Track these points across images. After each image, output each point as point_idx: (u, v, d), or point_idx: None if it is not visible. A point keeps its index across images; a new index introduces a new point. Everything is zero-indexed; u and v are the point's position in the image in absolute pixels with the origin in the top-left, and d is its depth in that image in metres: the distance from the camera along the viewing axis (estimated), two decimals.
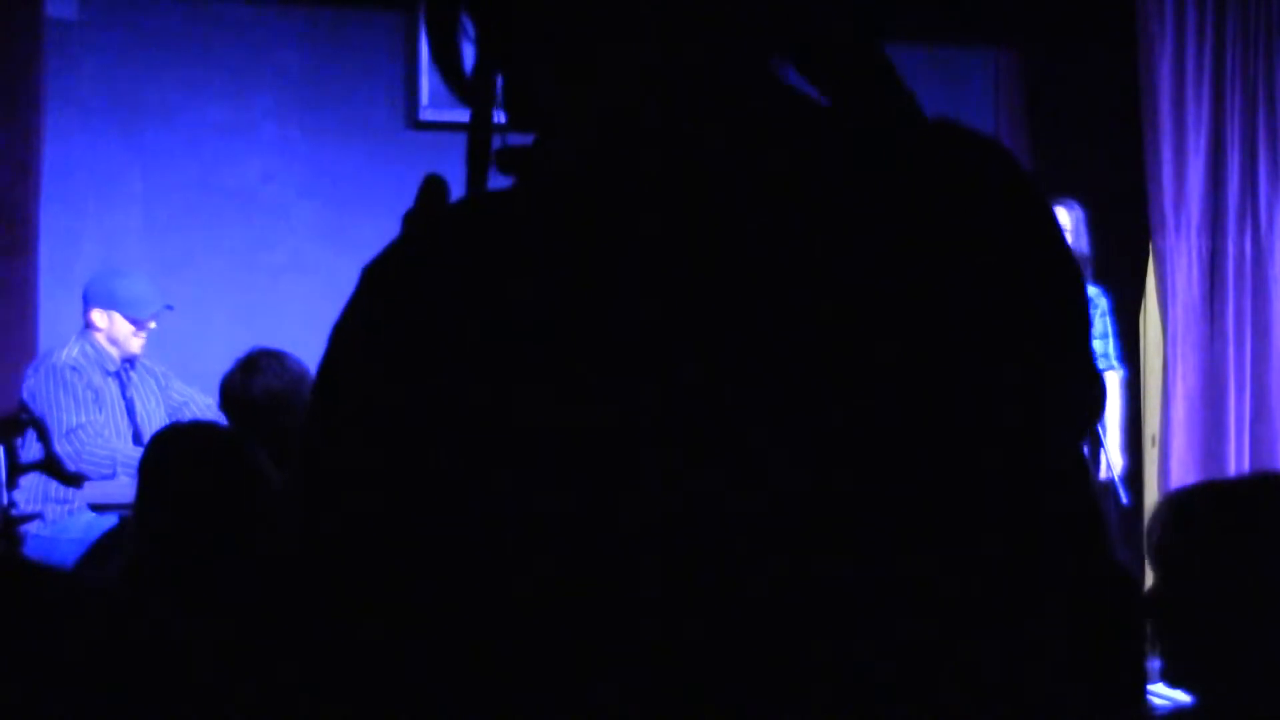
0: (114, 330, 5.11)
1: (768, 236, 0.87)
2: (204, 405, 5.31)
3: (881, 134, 0.92)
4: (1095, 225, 5.82)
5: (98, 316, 5.10)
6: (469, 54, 0.96)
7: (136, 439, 5.08)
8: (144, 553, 2.87)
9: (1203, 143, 5.90)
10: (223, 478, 2.87)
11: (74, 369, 4.98)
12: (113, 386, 5.10)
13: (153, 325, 5.18)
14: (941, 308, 0.87)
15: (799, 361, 0.86)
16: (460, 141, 0.94)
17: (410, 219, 0.91)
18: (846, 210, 0.88)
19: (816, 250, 0.87)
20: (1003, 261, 0.90)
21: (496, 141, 0.94)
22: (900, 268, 0.87)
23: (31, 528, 4.93)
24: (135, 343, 5.15)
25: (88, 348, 5.07)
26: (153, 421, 5.17)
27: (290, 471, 0.92)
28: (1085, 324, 0.94)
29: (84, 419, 4.94)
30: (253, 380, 3.86)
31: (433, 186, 0.94)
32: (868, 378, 0.86)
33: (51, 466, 4.98)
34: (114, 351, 5.12)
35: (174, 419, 5.28)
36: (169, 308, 5.22)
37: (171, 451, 2.96)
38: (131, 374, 5.19)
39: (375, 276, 0.90)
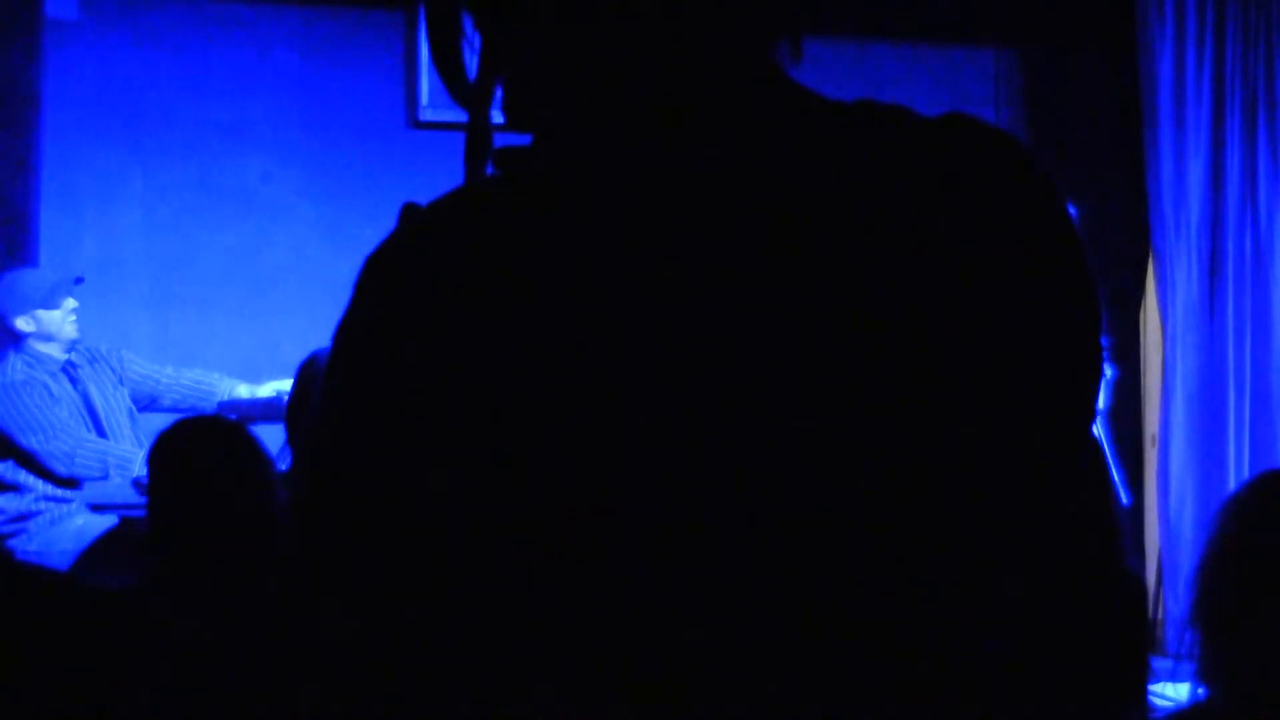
0: (45, 327, 5.06)
1: (771, 232, 0.87)
2: (166, 375, 5.30)
3: (897, 127, 0.92)
4: (1095, 225, 5.81)
5: (23, 323, 5.04)
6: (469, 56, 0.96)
7: (100, 431, 5.08)
8: (156, 550, 2.88)
9: (1203, 143, 5.90)
10: (232, 471, 2.87)
11: (25, 382, 4.97)
12: (64, 384, 5.09)
13: (74, 304, 5.11)
14: (954, 302, 0.87)
15: (801, 356, 0.85)
16: (459, 141, 0.94)
17: (408, 210, 0.92)
18: (855, 204, 0.88)
19: (821, 245, 0.87)
20: (1017, 251, 0.90)
21: (496, 141, 0.94)
22: (911, 261, 0.87)
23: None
24: (70, 328, 5.09)
25: (26, 358, 5.04)
26: (114, 409, 5.16)
27: (301, 468, 0.92)
28: (1097, 314, 0.94)
29: (60, 421, 4.93)
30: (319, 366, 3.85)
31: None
32: (876, 373, 0.86)
33: (35, 475, 4.95)
34: (52, 350, 5.09)
35: (138, 394, 5.28)
36: (79, 280, 5.14)
37: (179, 447, 2.96)
38: (80, 366, 5.16)
39: (377, 267, 0.90)
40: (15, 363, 5.02)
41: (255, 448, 2.94)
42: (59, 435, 4.91)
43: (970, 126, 0.92)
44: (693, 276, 0.86)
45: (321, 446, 0.90)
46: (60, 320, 5.07)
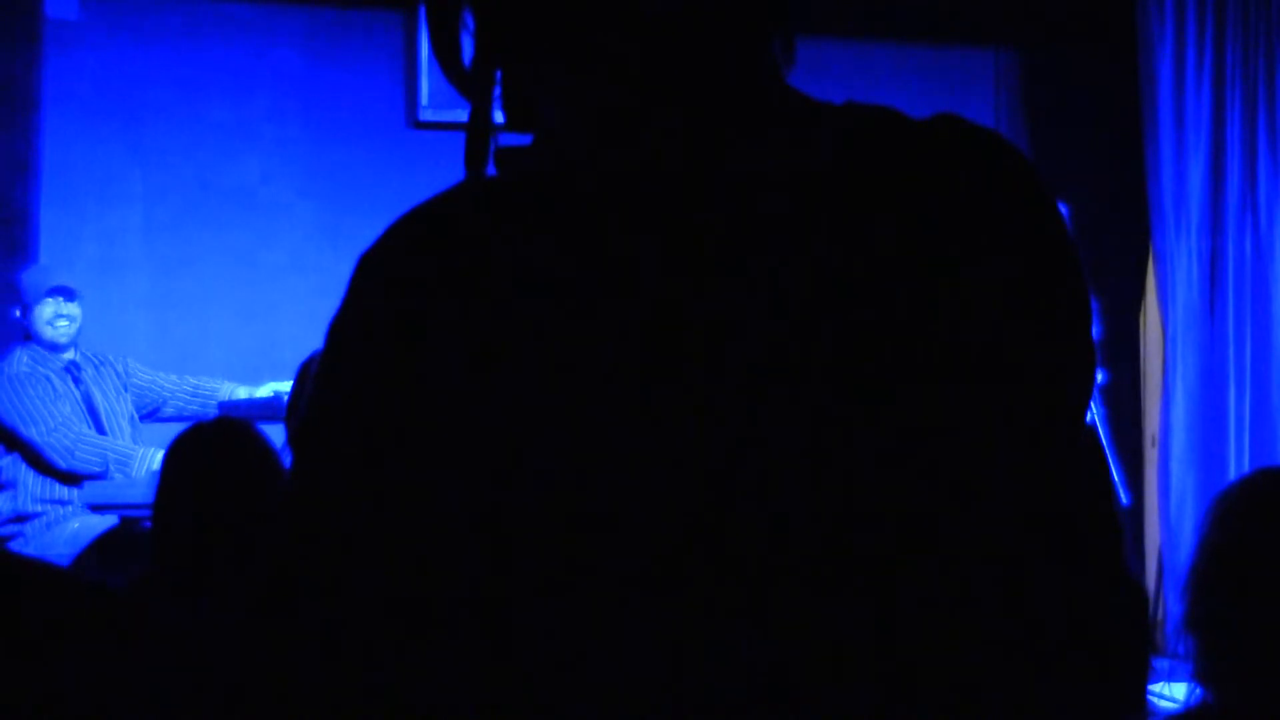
0: (32, 325, 5.10)
1: (766, 235, 0.87)
2: (169, 382, 5.32)
3: (884, 128, 0.92)
4: (1095, 225, 5.82)
5: (20, 315, 5.12)
6: (469, 47, 0.96)
7: (101, 432, 5.10)
8: (165, 553, 2.88)
9: (1203, 143, 5.91)
10: (250, 474, 2.88)
11: (29, 373, 5.01)
12: (68, 383, 5.10)
13: (69, 310, 5.11)
14: (947, 302, 0.87)
15: (794, 358, 0.86)
16: (459, 141, 0.94)
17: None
18: (848, 206, 0.88)
19: (816, 247, 0.87)
20: (1008, 250, 0.90)
21: (495, 141, 0.94)
22: (903, 261, 0.87)
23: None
24: (51, 331, 5.09)
25: (32, 353, 5.08)
26: (115, 412, 5.18)
27: (292, 461, 0.93)
28: (1088, 311, 0.94)
29: (61, 415, 4.95)
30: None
31: None
32: (870, 375, 0.86)
33: (31, 473, 4.96)
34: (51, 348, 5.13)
35: (141, 402, 5.30)
36: (59, 290, 5.10)
37: (198, 451, 2.96)
38: (84, 368, 5.18)
39: (371, 266, 0.90)
40: (21, 356, 5.06)
41: (268, 449, 2.95)
42: (59, 429, 4.93)
43: (958, 127, 0.93)
44: (691, 278, 0.86)
45: (310, 443, 0.90)
46: (40, 322, 5.08)
